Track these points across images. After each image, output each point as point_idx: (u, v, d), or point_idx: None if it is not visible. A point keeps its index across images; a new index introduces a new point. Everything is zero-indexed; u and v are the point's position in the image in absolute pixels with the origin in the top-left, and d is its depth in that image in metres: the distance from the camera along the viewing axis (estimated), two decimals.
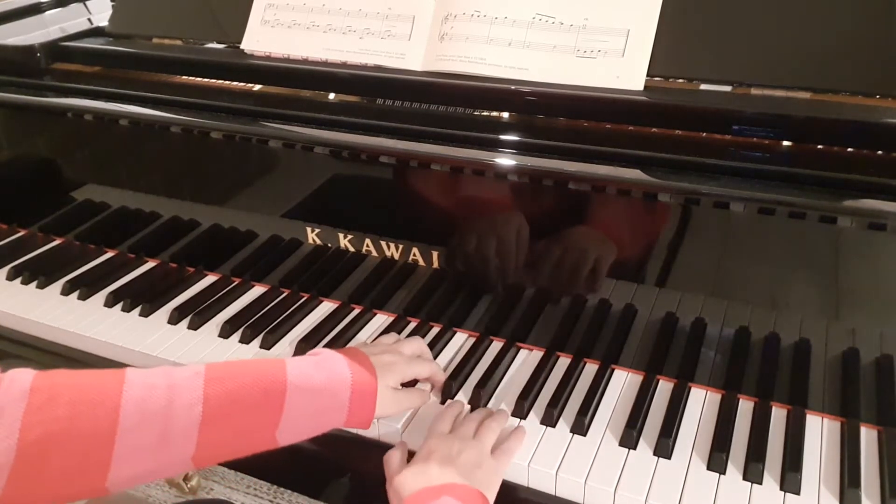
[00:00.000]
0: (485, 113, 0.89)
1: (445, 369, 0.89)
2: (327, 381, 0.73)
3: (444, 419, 0.79)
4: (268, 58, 1.01)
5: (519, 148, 0.83)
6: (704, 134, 0.80)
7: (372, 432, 0.81)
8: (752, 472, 0.73)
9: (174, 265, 1.11)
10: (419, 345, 0.87)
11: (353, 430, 0.80)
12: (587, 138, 0.82)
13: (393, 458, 0.75)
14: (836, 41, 0.79)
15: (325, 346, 0.93)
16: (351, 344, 0.94)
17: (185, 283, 1.07)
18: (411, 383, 0.85)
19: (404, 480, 0.71)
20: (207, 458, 0.67)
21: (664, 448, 0.77)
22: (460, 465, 0.71)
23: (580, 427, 0.80)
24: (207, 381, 0.68)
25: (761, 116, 0.77)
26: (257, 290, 1.06)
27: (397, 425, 0.81)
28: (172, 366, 0.70)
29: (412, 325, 0.97)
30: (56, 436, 0.60)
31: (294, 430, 0.71)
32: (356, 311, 1.00)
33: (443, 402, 0.85)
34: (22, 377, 0.62)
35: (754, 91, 0.82)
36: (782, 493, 0.72)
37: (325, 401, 0.72)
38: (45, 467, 0.60)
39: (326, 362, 0.75)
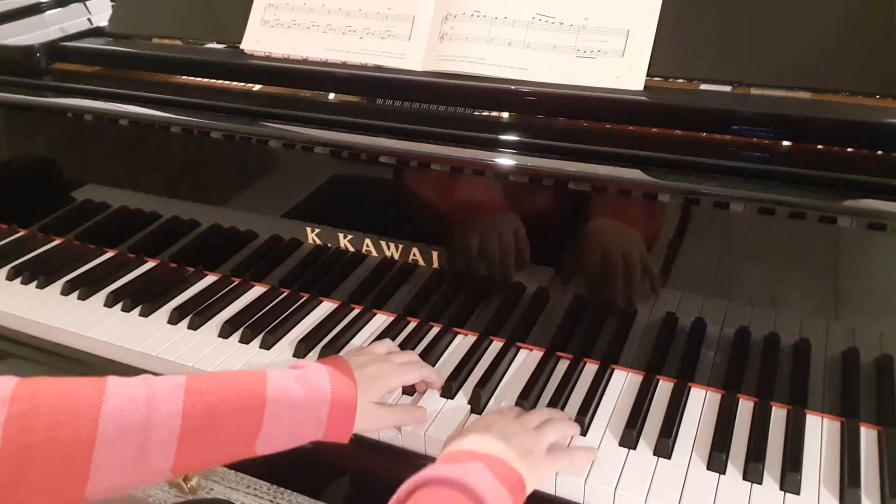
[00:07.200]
0: (485, 113, 0.89)
1: (445, 369, 0.89)
2: (307, 396, 0.73)
3: (513, 407, 0.82)
4: (268, 58, 1.01)
5: (519, 148, 0.83)
6: (704, 134, 0.80)
7: (372, 434, 0.81)
8: (752, 472, 0.73)
9: (174, 265, 1.11)
10: (410, 355, 0.87)
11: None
12: (587, 138, 0.81)
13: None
14: (836, 41, 0.79)
15: (324, 346, 0.93)
16: (348, 346, 0.94)
17: (185, 283, 1.07)
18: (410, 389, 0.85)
19: (455, 439, 0.73)
20: (186, 468, 0.68)
21: (664, 448, 0.77)
22: (510, 445, 0.71)
23: (580, 427, 0.79)
24: (188, 393, 0.68)
25: (761, 116, 0.77)
26: (257, 290, 1.06)
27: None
28: (154, 375, 0.70)
29: (412, 325, 0.97)
30: (36, 445, 0.60)
31: (272, 442, 0.72)
32: (356, 311, 1.00)
33: None
34: (3, 385, 0.62)
35: (754, 91, 0.82)
36: (782, 493, 0.72)
37: (304, 416, 0.73)
38: (26, 476, 0.60)
39: (308, 377, 0.75)
